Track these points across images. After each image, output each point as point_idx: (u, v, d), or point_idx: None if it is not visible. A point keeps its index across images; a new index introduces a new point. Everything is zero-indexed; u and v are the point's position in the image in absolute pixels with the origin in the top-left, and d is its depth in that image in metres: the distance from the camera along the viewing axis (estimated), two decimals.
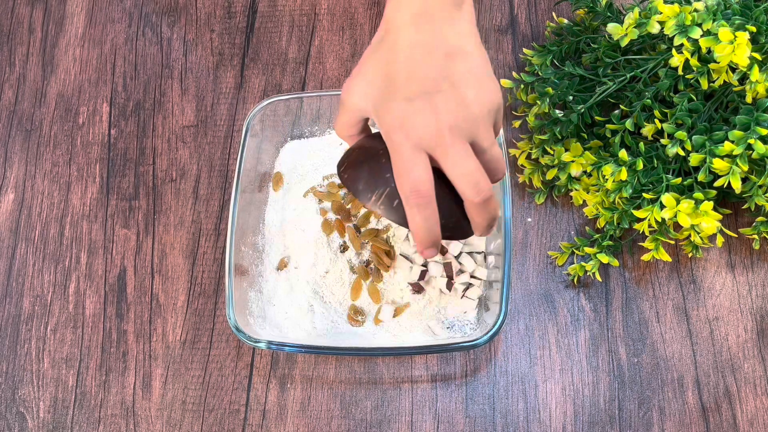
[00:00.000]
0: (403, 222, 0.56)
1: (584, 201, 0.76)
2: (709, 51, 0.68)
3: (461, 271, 0.74)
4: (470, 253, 0.75)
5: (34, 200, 0.83)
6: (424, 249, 0.56)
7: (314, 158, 0.81)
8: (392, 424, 0.72)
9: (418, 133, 0.53)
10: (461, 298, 0.74)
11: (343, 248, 0.76)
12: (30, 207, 0.83)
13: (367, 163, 0.57)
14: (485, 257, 0.75)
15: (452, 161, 0.53)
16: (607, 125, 0.74)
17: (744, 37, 0.65)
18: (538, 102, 0.76)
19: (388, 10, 0.56)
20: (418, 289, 0.74)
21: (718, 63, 0.67)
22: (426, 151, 0.53)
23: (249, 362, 0.74)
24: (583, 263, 0.74)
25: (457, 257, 0.75)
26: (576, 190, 0.76)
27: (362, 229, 0.76)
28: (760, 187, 0.70)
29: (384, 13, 0.57)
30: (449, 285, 0.74)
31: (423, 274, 0.74)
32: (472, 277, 0.74)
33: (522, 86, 0.80)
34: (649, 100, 0.72)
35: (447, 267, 0.74)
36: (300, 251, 0.76)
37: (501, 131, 0.69)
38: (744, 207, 0.74)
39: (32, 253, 0.81)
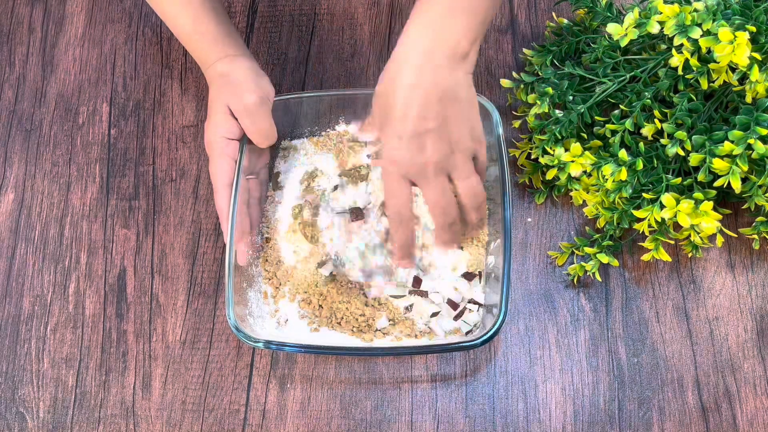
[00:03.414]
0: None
1: (584, 201, 0.76)
2: (709, 51, 0.68)
3: (462, 299, 0.74)
4: (467, 275, 0.75)
5: (34, 200, 0.83)
6: (400, 260, 0.69)
7: (314, 158, 0.81)
8: (392, 424, 0.72)
9: (406, 167, 0.63)
10: (456, 321, 0.74)
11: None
12: (30, 207, 0.83)
13: None
14: (480, 278, 0.75)
15: (430, 191, 0.64)
16: (607, 125, 0.74)
17: (744, 37, 0.65)
18: (538, 102, 0.76)
19: (398, 47, 0.62)
20: (418, 289, 0.74)
21: (718, 63, 0.67)
22: (410, 180, 0.64)
23: (249, 362, 0.74)
24: (583, 263, 0.74)
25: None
26: (576, 190, 0.76)
27: None
28: (760, 187, 0.70)
29: (395, 48, 0.63)
30: (457, 317, 0.74)
31: (417, 282, 0.74)
32: (470, 302, 0.74)
33: (522, 86, 0.80)
34: (649, 100, 0.72)
35: (451, 303, 0.74)
36: (299, 251, 0.76)
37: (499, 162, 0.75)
38: (744, 207, 0.74)
39: (32, 253, 0.81)
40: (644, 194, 0.71)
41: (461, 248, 0.75)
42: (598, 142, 0.75)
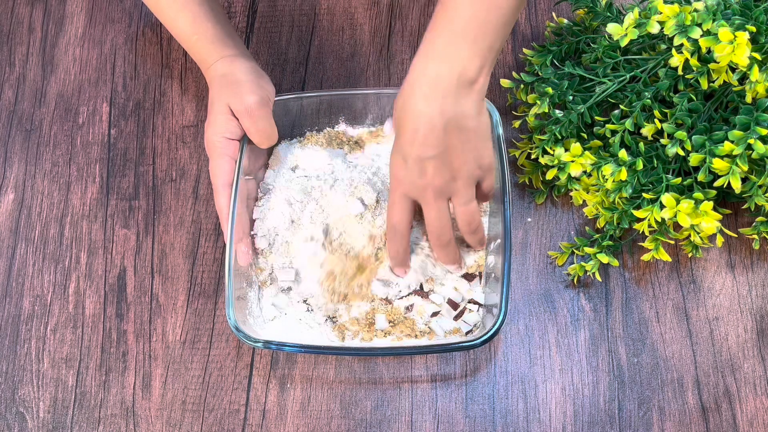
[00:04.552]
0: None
1: (584, 201, 0.76)
2: (709, 51, 0.68)
3: (462, 299, 0.75)
4: (468, 275, 0.75)
5: (34, 200, 0.83)
6: (394, 267, 0.74)
7: (314, 158, 0.81)
8: (392, 424, 0.72)
9: (407, 187, 0.68)
10: (456, 320, 0.74)
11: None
12: (30, 207, 0.83)
13: None
14: (480, 278, 0.75)
15: (428, 213, 0.68)
16: (607, 125, 0.74)
17: (744, 37, 0.65)
18: (538, 102, 0.76)
19: (408, 75, 0.65)
20: (420, 290, 0.74)
21: (718, 63, 0.67)
22: (412, 198, 0.68)
23: (249, 362, 0.74)
24: (583, 263, 0.74)
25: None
26: (576, 190, 0.76)
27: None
28: (760, 187, 0.70)
29: (408, 75, 0.65)
30: (457, 317, 0.74)
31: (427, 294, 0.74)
32: (470, 302, 0.74)
33: (522, 86, 0.80)
34: (649, 100, 0.72)
35: (451, 303, 0.74)
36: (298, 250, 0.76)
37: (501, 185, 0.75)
38: (744, 207, 0.74)
39: (32, 253, 0.81)
40: (644, 194, 0.71)
41: (461, 267, 0.75)
42: (598, 142, 0.75)
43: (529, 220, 0.79)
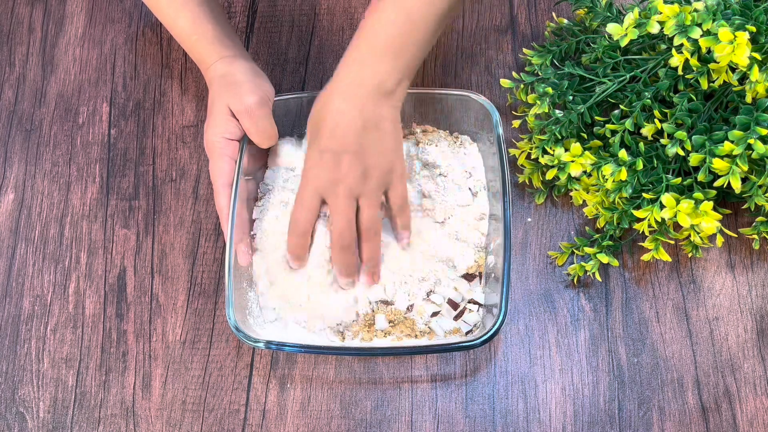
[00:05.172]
0: None
1: (584, 201, 0.76)
2: (709, 51, 0.68)
3: (462, 299, 0.75)
4: (468, 275, 0.75)
5: (34, 200, 0.83)
6: (291, 260, 0.73)
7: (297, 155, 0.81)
8: (392, 424, 0.72)
9: (320, 182, 0.69)
10: (456, 320, 0.74)
11: None
12: (30, 207, 0.83)
13: None
14: (480, 278, 0.75)
15: (335, 209, 0.69)
16: (607, 125, 0.75)
17: (744, 37, 0.65)
18: (538, 102, 0.76)
19: (332, 79, 0.69)
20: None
21: (718, 63, 0.67)
22: (321, 195, 0.69)
23: (249, 362, 0.74)
24: (583, 263, 0.74)
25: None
26: (576, 190, 0.76)
27: None
28: (760, 187, 0.70)
29: (330, 80, 0.69)
30: (457, 317, 0.74)
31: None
32: (470, 302, 0.74)
33: (522, 86, 0.80)
34: (649, 100, 0.72)
35: (451, 303, 0.74)
36: None
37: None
38: (744, 207, 0.74)
39: (32, 253, 0.81)
40: (644, 194, 0.71)
41: (353, 285, 0.73)
42: (598, 142, 0.75)
43: (529, 220, 0.79)
